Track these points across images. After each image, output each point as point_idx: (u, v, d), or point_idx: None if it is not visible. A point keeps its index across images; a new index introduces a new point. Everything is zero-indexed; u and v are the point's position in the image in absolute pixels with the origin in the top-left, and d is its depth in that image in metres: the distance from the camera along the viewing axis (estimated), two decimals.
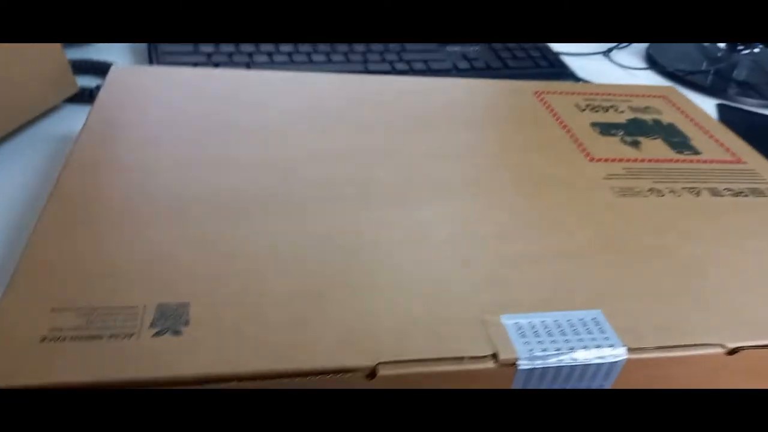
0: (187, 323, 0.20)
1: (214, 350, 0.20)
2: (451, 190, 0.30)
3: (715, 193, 0.32)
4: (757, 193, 0.33)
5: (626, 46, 0.67)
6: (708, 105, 0.57)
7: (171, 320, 0.20)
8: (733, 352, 0.23)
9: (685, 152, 0.36)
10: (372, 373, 0.20)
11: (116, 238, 0.24)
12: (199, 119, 0.32)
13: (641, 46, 0.68)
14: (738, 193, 0.33)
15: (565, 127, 0.37)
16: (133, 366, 0.19)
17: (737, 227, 0.30)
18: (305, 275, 0.23)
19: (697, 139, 0.38)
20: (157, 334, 0.20)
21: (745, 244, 0.29)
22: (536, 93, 0.41)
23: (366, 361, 0.20)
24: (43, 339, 0.19)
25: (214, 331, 0.20)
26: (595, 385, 0.23)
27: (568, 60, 0.61)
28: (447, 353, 0.21)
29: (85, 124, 0.31)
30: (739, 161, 0.36)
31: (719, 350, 0.23)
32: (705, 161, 0.35)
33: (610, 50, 0.65)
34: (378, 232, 0.26)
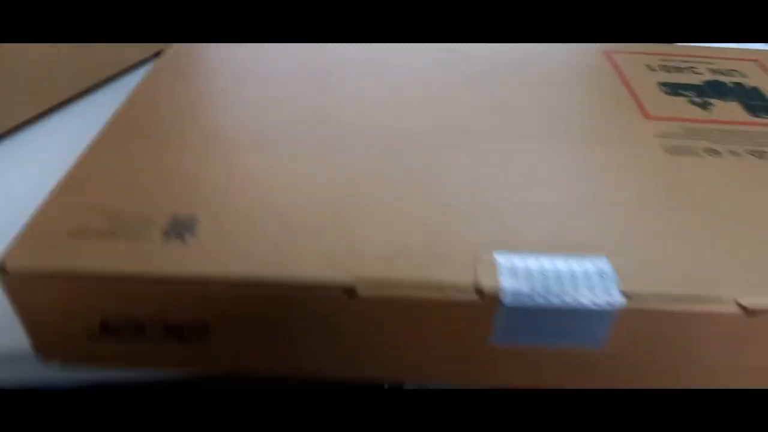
0: (193, 233, 0.23)
1: (212, 256, 0.22)
2: (495, 137, 0.30)
3: None
4: None
5: None
6: None
7: (180, 229, 0.23)
8: (751, 312, 0.21)
9: (763, 115, 0.33)
10: (352, 293, 0.21)
11: (153, 157, 0.27)
12: (267, 71, 0.35)
13: None
14: None
15: (628, 85, 0.35)
16: (140, 263, 0.21)
17: None
18: (314, 202, 0.25)
19: None
20: (166, 239, 0.22)
21: None
22: (606, 52, 0.39)
23: (348, 279, 0.21)
24: (70, 233, 0.22)
25: (215, 241, 0.22)
26: (588, 333, 0.22)
27: None
28: (430, 281, 0.21)
29: (154, 65, 0.34)
30: None
31: (735, 309, 0.21)
32: None
33: None
34: (399, 166, 0.27)
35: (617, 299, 0.21)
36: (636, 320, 0.22)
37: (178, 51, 0.37)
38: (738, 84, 0.36)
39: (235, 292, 0.21)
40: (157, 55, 0.44)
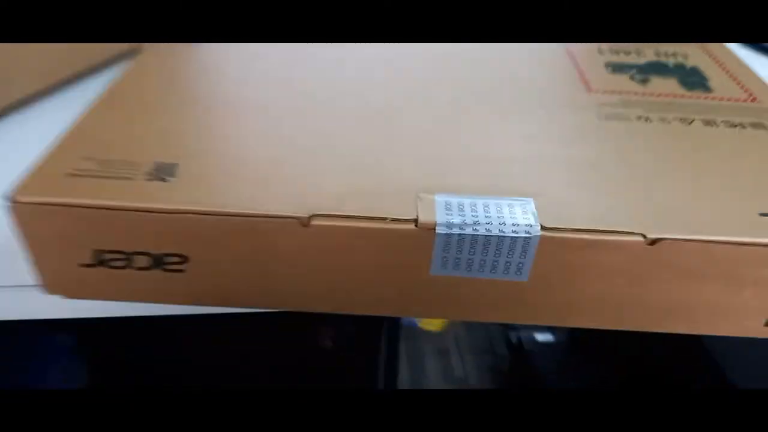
0: (173, 175, 0.26)
1: (187, 193, 0.25)
2: (452, 104, 0.33)
3: (708, 123, 0.33)
4: (758, 126, 0.33)
5: None
6: None
7: (162, 172, 0.26)
8: (653, 242, 0.25)
9: (696, 90, 0.36)
10: (306, 223, 0.25)
11: (139, 119, 0.30)
12: (251, 56, 0.38)
13: None
14: (735, 125, 0.33)
15: (578, 67, 0.38)
16: (125, 197, 0.25)
17: (710, 148, 0.30)
18: (280, 153, 0.28)
19: (716, 80, 0.37)
20: (148, 179, 0.26)
21: (707, 162, 0.29)
22: (566, 46, 0.42)
23: (304, 213, 0.25)
24: (68, 174, 0.26)
25: (191, 182, 0.26)
26: (513, 262, 0.25)
27: None
28: (374, 214, 0.25)
29: (141, 54, 0.38)
30: (753, 100, 0.35)
31: (639, 239, 0.25)
32: (714, 98, 0.35)
33: None
34: (359, 126, 0.30)
35: (536, 229, 0.24)
36: (553, 250, 0.25)
37: (161, 46, 0.41)
38: (679, 64, 0.39)
39: (208, 223, 0.25)
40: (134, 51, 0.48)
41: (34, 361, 0.63)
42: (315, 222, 0.25)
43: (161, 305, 0.29)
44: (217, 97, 0.33)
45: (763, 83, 0.38)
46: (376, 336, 0.91)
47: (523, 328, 1.05)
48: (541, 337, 0.96)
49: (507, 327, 1.11)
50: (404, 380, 1.08)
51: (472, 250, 0.25)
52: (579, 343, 0.95)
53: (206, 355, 0.81)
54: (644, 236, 0.25)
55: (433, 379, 1.09)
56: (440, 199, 0.26)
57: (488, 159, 0.29)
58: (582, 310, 0.27)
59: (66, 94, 0.42)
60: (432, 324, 1.17)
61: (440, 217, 0.25)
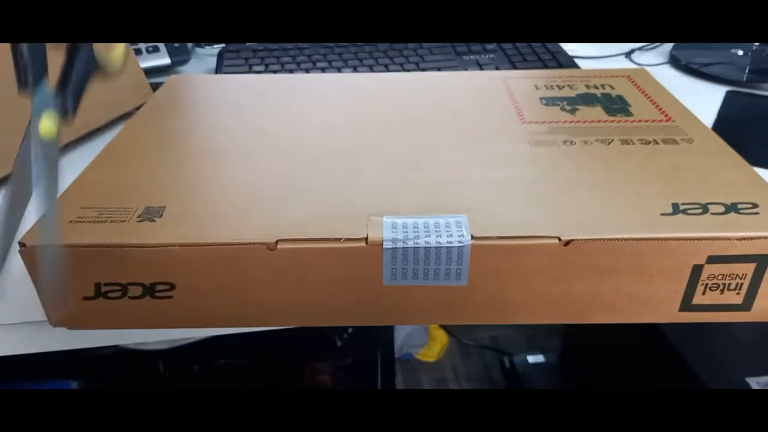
0: (160, 216, 0.31)
1: (171, 230, 0.30)
2: (400, 137, 0.39)
3: (625, 142, 0.38)
4: (669, 142, 0.37)
5: (652, 47, 0.71)
6: (718, 93, 0.59)
7: (151, 214, 0.31)
8: (567, 243, 0.29)
9: (618, 115, 0.41)
10: (273, 247, 0.29)
11: (132, 171, 0.35)
12: (231, 101, 0.44)
13: (667, 47, 0.71)
14: (649, 142, 0.37)
15: (514, 101, 0.44)
16: (119, 236, 0.29)
17: (624, 163, 0.35)
18: (253, 190, 0.33)
19: (638, 106, 0.42)
20: (140, 221, 0.30)
21: (619, 174, 0.34)
22: (504, 79, 0.48)
23: (271, 238, 0.29)
24: (70, 222, 0.30)
25: (176, 221, 0.30)
26: (453, 269, 0.30)
27: (585, 63, 0.66)
28: (331, 236, 0.29)
29: (148, 102, 0.43)
30: (669, 120, 0.40)
31: (555, 241, 0.29)
32: (633, 121, 0.40)
33: (632, 51, 0.69)
34: (322, 163, 0.35)
35: (467, 239, 0.29)
36: (484, 256, 0.29)
37: (158, 100, 0.46)
38: (605, 94, 0.44)
39: (191, 254, 0.29)
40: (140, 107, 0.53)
41: None
42: (280, 246, 0.29)
43: (154, 332, 0.33)
44: (199, 147, 0.38)
45: (681, 106, 0.43)
46: (372, 370, 0.94)
47: (516, 353, 1.08)
48: (533, 359, 0.99)
49: (500, 352, 1.14)
50: None
51: (416, 261, 0.30)
52: (568, 361, 0.98)
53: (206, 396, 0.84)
54: (559, 239, 0.29)
55: None
56: (387, 220, 0.30)
57: (429, 183, 0.33)
58: (518, 307, 0.31)
59: (73, 153, 0.47)
60: (428, 355, 1.20)
61: (387, 234, 0.29)
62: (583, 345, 0.98)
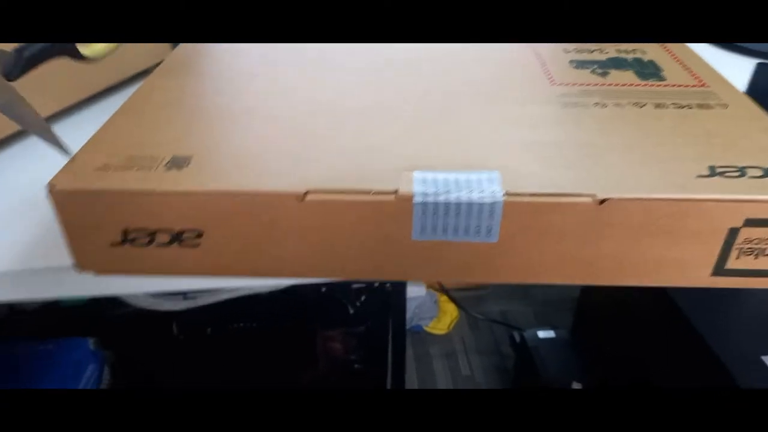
0: (188, 165, 0.30)
1: (199, 178, 0.29)
2: (431, 98, 0.38)
3: (659, 106, 0.37)
4: (703, 107, 0.37)
5: None
6: (749, 65, 0.58)
7: (178, 163, 0.31)
8: (601, 202, 0.29)
9: (650, 79, 0.40)
10: (302, 198, 0.29)
11: (160, 121, 0.35)
12: (258, 61, 0.43)
13: None
14: (683, 106, 0.37)
15: (543, 64, 0.43)
16: (147, 183, 0.29)
17: (658, 126, 0.34)
18: (280, 142, 0.32)
19: (670, 71, 0.41)
20: (167, 169, 0.30)
21: (653, 137, 0.33)
22: (532, 46, 0.47)
23: (300, 189, 0.29)
24: (98, 168, 0.30)
25: (203, 169, 0.30)
26: (483, 225, 0.29)
27: None
28: (361, 188, 0.29)
29: (162, 64, 0.43)
30: (703, 85, 0.39)
31: (589, 200, 0.29)
32: (666, 85, 0.39)
33: None
34: (350, 119, 0.35)
35: (499, 194, 0.29)
36: (516, 213, 0.29)
37: (178, 56, 0.45)
38: (637, 59, 0.43)
39: (219, 202, 0.29)
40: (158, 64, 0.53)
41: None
42: (309, 197, 0.29)
43: (179, 280, 0.33)
44: (222, 102, 0.38)
45: (715, 72, 0.42)
46: (383, 339, 0.95)
47: (526, 327, 1.08)
48: (543, 333, 0.99)
49: (510, 326, 1.15)
50: (412, 381, 1.11)
51: (447, 216, 0.29)
52: (579, 338, 0.98)
53: (220, 360, 0.85)
54: (593, 197, 0.29)
55: (441, 379, 1.12)
56: (418, 175, 0.30)
57: (460, 143, 0.33)
58: (547, 267, 0.31)
59: (95, 106, 0.47)
60: (437, 328, 1.20)
61: (417, 188, 0.29)
62: (595, 321, 0.98)
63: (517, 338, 1.04)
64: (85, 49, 0.30)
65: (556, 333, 1.00)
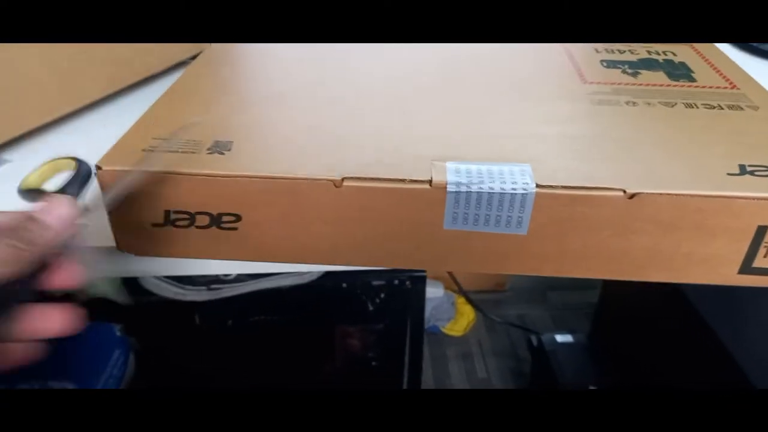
0: (230, 150, 0.31)
1: (239, 163, 0.30)
2: (468, 94, 0.39)
3: (689, 106, 0.37)
4: (734, 108, 0.37)
5: None
6: None
7: (220, 147, 0.32)
8: (632, 196, 0.29)
9: (681, 80, 0.41)
10: (338, 184, 0.30)
11: (201, 106, 0.36)
12: (290, 57, 0.44)
13: None
14: (713, 107, 0.37)
15: (575, 63, 0.43)
16: (189, 166, 0.30)
17: (688, 124, 0.35)
18: (317, 131, 0.33)
19: (701, 72, 0.42)
20: (209, 153, 0.31)
21: (684, 135, 0.34)
22: (564, 46, 0.47)
23: (337, 176, 0.30)
24: (143, 150, 0.31)
25: (244, 155, 0.31)
26: (514, 217, 0.30)
27: None
28: (396, 176, 0.30)
29: (200, 57, 0.44)
30: (733, 87, 0.40)
31: (620, 194, 0.29)
32: (697, 86, 0.40)
33: None
34: (385, 110, 0.36)
35: (531, 186, 0.29)
36: (546, 205, 0.30)
37: (217, 48, 0.47)
38: (668, 60, 0.44)
39: (258, 186, 0.30)
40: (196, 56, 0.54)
41: None
42: (346, 183, 0.30)
43: (215, 264, 0.34)
44: (261, 92, 0.39)
45: (746, 74, 0.42)
46: (401, 338, 0.95)
47: (544, 331, 1.08)
48: (561, 338, 0.99)
49: (528, 330, 1.14)
50: (428, 381, 1.11)
51: (478, 206, 0.30)
52: (597, 342, 0.98)
53: (240, 351, 0.86)
54: (624, 191, 0.29)
55: (457, 381, 1.12)
56: (451, 165, 0.31)
57: (494, 136, 0.34)
58: (575, 260, 0.31)
59: (141, 91, 0.48)
60: (454, 329, 1.20)
61: (451, 177, 0.30)
62: (613, 325, 0.98)
63: (535, 342, 1.03)
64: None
65: (574, 337, 1.00)
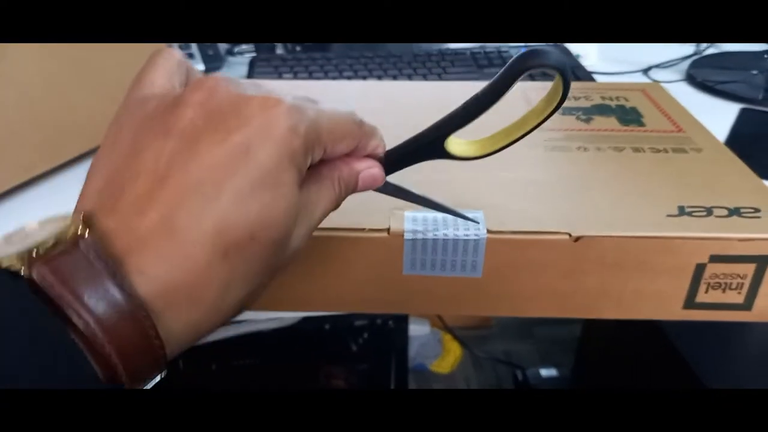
0: None
1: None
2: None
3: (637, 150, 0.39)
4: (679, 151, 0.39)
5: (669, 65, 0.72)
6: (733, 110, 0.61)
7: None
8: (577, 239, 0.31)
9: (631, 125, 0.43)
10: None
11: None
12: None
13: (684, 64, 0.72)
14: (659, 150, 0.39)
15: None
16: None
17: (634, 169, 0.37)
18: None
19: (650, 117, 0.44)
20: None
21: (629, 179, 0.36)
22: (523, 89, 0.50)
23: None
24: None
25: None
26: (469, 261, 0.32)
27: (603, 78, 0.68)
28: (356, 226, 0.31)
29: None
30: (680, 131, 0.42)
31: (566, 237, 0.31)
32: (646, 131, 0.42)
33: (649, 68, 0.71)
34: None
35: (483, 232, 0.31)
36: (498, 249, 0.31)
37: None
38: (620, 105, 0.46)
39: None
40: None
41: None
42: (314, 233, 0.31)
43: None
44: None
45: (692, 118, 0.44)
46: (385, 377, 0.96)
47: (530, 366, 1.09)
48: (545, 372, 1.00)
49: (513, 366, 1.15)
50: None
51: (434, 252, 0.32)
52: (580, 376, 0.98)
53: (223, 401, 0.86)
54: (569, 235, 0.31)
55: None
56: (408, 213, 0.32)
57: (447, 182, 0.35)
58: (529, 300, 0.33)
59: None
60: (441, 366, 1.21)
61: (408, 226, 0.31)
62: (597, 361, 0.99)
63: (520, 376, 1.04)
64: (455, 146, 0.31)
65: (558, 371, 1.01)
